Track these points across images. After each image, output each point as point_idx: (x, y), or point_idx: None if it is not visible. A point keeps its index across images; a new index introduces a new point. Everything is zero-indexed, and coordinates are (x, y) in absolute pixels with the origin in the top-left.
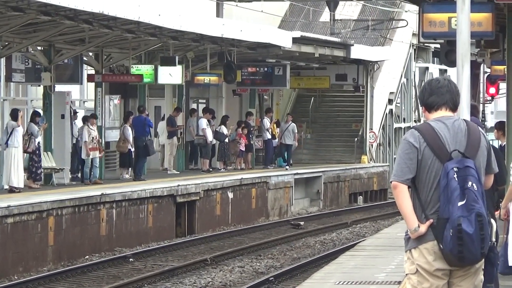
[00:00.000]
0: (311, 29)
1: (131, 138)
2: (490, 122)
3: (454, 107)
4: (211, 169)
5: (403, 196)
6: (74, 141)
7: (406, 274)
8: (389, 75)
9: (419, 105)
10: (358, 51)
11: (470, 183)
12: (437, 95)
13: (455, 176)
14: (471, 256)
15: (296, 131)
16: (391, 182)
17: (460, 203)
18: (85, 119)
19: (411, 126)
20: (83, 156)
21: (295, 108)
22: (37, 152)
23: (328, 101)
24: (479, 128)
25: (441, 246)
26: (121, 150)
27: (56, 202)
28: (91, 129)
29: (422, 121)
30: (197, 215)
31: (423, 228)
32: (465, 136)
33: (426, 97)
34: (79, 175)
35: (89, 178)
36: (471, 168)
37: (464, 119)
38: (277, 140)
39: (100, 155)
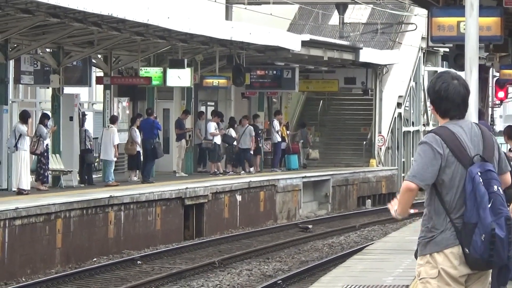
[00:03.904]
0: (320, 32)
1: (139, 140)
2: (499, 126)
3: (465, 114)
4: (217, 172)
5: (411, 199)
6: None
7: (421, 278)
8: (398, 79)
9: (429, 102)
10: (367, 55)
11: (495, 187)
12: (452, 106)
13: (481, 180)
14: (499, 260)
15: (254, 134)
16: (408, 181)
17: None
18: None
19: (428, 130)
20: (112, 157)
21: (304, 111)
22: (45, 154)
23: (337, 104)
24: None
25: (468, 251)
26: (129, 152)
27: (65, 205)
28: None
29: (431, 124)
30: (205, 218)
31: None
32: (481, 139)
33: (440, 104)
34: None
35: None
36: (492, 172)
37: (474, 122)
38: (286, 142)
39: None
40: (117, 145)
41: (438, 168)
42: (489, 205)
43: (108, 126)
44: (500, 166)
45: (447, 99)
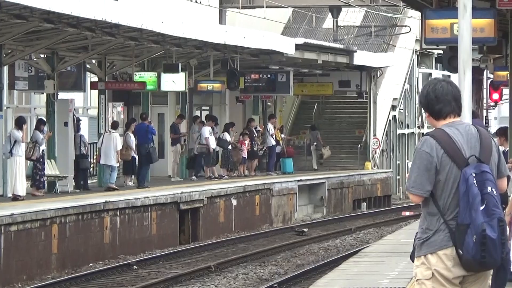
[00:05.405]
0: (314, 35)
1: (133, 145)
2: (494, 127)
3: (460, 112)
4: (212, 176)
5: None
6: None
7: (417, 279)
8: (392, 81)
9: (423, 111)
10: (361, 58)
11: (489, 188)
12: (444, 104)
13: (475, 181)
14: (493, 261)
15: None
16: (409, 192)
17: (480, 208)
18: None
19: (425, 133)
20: (114, 163)
21: (298, 115)
22: (41, 160)
23: (332, 107)
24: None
25: (461, 252)
26: (124, 157)
27: (60, 210)
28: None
29: (426, 127)
30: (200, 222)
31: None
32: (478, 141)
33: (433, 106)
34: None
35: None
36: (488, 173)
37: (473, 125)
38: (280, 146)
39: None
40: (118, 150)
41: (434, 173)
42: (482, 207)
43: (110, 131)
44: (499, 169)
45: (437, 98)
